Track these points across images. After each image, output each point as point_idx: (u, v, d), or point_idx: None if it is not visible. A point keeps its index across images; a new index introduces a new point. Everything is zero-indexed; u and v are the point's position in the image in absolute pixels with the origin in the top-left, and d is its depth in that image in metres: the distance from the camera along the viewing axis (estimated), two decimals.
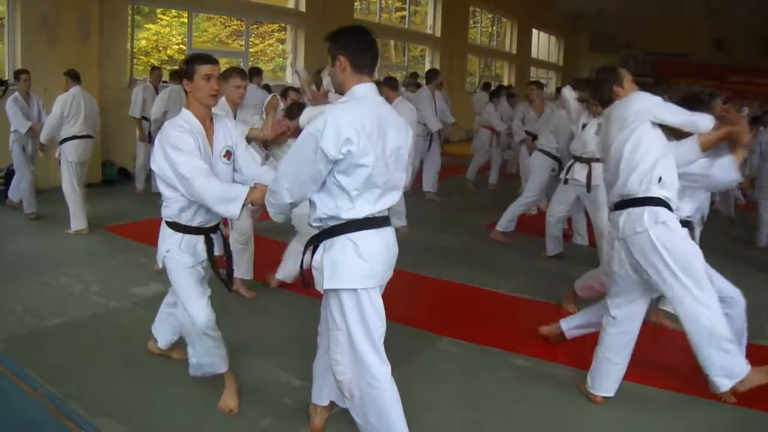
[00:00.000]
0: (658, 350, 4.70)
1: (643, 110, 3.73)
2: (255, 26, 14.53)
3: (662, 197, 3.67)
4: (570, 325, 4.62)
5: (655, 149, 3.69)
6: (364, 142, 2.78)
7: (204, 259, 3.65)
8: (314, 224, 3.04)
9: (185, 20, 12.49)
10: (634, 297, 3.88)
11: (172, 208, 3.54)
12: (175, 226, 3.58)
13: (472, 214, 9.51)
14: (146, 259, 6.39)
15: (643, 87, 3.99)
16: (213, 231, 3.69)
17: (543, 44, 28.32)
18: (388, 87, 8.24)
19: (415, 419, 3.18)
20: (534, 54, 27.12)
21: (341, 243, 2.94)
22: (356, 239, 2.93)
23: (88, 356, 4.35)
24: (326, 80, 6.82)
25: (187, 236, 3.57)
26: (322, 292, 3.06)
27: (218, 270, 3.75)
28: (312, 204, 2.99)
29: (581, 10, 24.78)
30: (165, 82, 10.53)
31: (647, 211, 3.65)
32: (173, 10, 12.51)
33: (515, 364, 4.49)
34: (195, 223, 3.58)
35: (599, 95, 4.10)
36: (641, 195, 3.68)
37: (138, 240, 7.04)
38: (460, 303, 5.76)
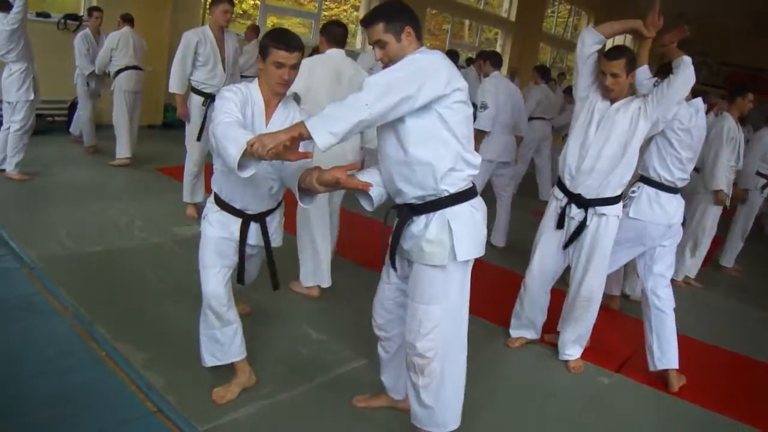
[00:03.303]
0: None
1: None
2: None
3: None
4: None
5: None
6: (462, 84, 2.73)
7: (236, 241, 3.26)
8: (431, 192, 2.77)
9: None
10: None
11: (216, 176, 3.24)
12: (217, 200, 3.27)
13: None
14: None
15: None
16: (256, 219, 3.29)
17: (618, 42, 27.75)
18: (490, 62, 8.02)
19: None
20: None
21: (468, 211, 2.83)
22: (476, 205, 2.87)
23: (121, 285, 4.47)
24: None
25: (225, 213, 3.24)
26: (432, 266, 2.82)
27: (243, 266, 3.32)
28: (425, 167, 2.72)
29: (662, 11, 24.12)
30: (237, 34, 10.69)
31: None
32: None
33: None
34: (237, 206, 3.23)
35: None
36: None
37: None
38: None
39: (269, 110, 3.11)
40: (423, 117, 2.66)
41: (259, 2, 12.55)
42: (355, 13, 15.05)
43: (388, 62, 2.77)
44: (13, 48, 6.30)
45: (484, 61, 7.07)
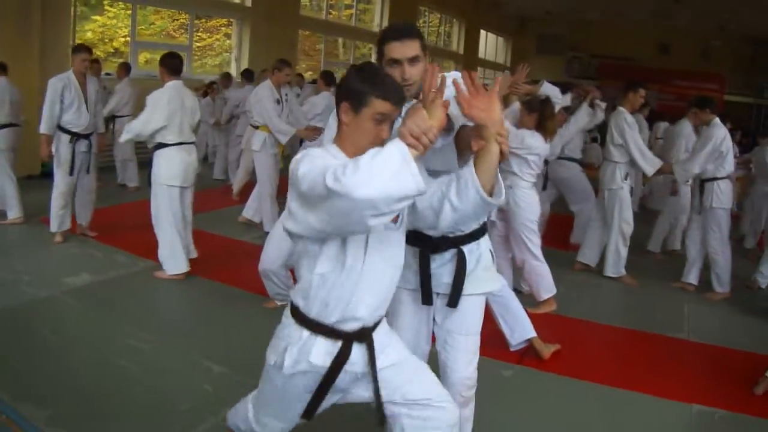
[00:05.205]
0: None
1: None
2: (203, 21, 14.51)
3: None
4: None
5: None
6: None
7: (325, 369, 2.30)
8: (481, 221, 2.81)
9: None
10: None
11: (308, 282, 2.27)
12: (299, 317, 2.31)
13: None
14: (79, 249, 6.59)
15: None
16: (362, 338, 2.34)
17: (491, 45, 28.62)
18: (323, 81, 8.37)
19: None
20: (481, 54, 27.40)
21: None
22: None
23: (14, 344, 4.41)
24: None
25: (318, 338, 2.28)
26: (481, 294, 2.83)
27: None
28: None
29: (529, 12, 25.19)
30: (108, 73, 10.67)
31: None
32: (121, 2, 12.41)
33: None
34: (333, 319, 2.27)
35: None
36: None
37: (71, 231, 7.02)
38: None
39: None
40: None
41: (129, 39, 12.41)
42: (228, 41, 15.05)
43: (411, 84, 2.65)
44: None
45: None
